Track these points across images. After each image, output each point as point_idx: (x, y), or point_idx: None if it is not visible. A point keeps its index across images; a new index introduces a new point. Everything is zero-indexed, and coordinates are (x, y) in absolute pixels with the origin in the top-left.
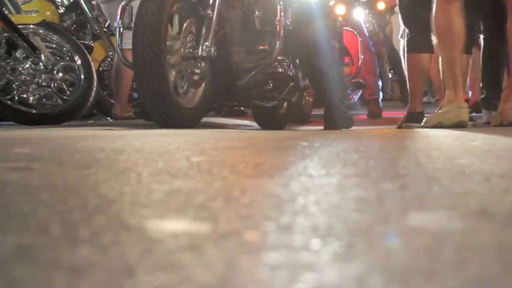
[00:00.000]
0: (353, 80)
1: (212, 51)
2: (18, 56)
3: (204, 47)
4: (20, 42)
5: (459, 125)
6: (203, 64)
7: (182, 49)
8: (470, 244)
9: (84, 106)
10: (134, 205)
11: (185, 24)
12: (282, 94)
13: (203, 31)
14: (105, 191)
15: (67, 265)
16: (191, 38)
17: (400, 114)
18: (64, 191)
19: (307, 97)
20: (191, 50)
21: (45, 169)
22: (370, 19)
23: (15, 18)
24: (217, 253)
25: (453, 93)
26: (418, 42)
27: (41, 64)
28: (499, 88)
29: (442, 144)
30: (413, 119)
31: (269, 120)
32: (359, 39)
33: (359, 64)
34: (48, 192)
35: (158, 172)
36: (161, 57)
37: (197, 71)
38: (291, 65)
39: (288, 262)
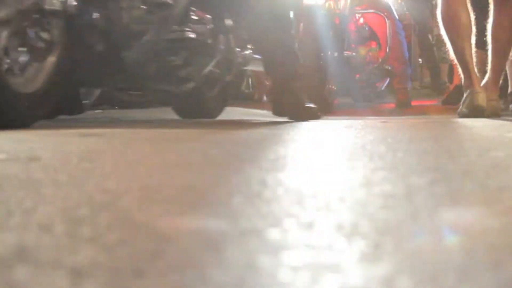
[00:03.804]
0: (381, 67)
1: (73, 2)
2: None
3: None
4: None
5: (476, 110)
6: (55, 23)
7: None
8: (506, 243)
9: (92, 95)
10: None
11: None
12: (204, 71)
13: None
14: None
15: (70, 266)
16: None
17: (431, 103)
18: (67, 185)
19: (330, 85)
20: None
21: (47, 162)
22: (399, 1)
23: None
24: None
25: (467, 80)
26: None
27: None
28: None
29: (476, 135)
30: None
31: (191, 108)
32: (387, 22)
33: (387, 49)
34: (51, 187)
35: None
36: None
37: (45, 34)
38: (219, 31)
39: (310, 262)
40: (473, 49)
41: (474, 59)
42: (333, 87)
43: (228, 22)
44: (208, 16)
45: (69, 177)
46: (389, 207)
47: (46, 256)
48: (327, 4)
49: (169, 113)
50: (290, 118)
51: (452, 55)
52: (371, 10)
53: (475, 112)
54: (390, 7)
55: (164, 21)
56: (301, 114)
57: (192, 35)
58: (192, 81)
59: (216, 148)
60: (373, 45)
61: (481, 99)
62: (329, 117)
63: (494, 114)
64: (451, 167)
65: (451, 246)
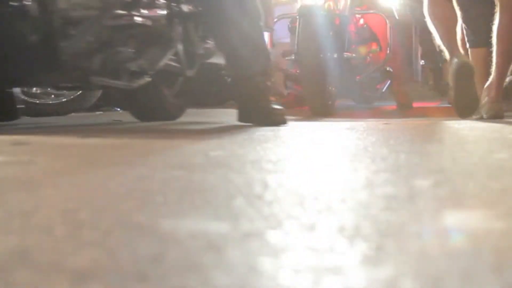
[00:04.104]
0: (382, 68)
1: None
2: None
3: None
4: None
5: (464, 67)
6: None
7: None
8: (510, 245)
9: (92, 96)
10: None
11: None
12: (158, 64)
13: None
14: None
15: (71, 269)
16: None
17: (433, 104)
18: (68, 187)
19: (330, 87)
20: None
21: (48, 164)
22: (401, 1)
23: None
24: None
25: (451, 53)
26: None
27: None
28: None
29: (478, 136)
30: None
31: (146, 108)
32: (388, 23)
33: (388, 50)
34: (51, 189)
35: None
36: None
37: None
38: (175, 17)
39: (312, 264)
40: (459, 36)
41: (459, 42)
42: (333, 88)
43: (186, 7)
44: None
45: (70, 179)
46: (392, 209)
47: (47, 258)
48: (327, 5)
49: None
50: (256, 125)
51: (438, 41)
52: (372, 11)
53: (463, 70)
54: (390, 8)
55: (109, 4)
56: (268, 119)
57: (143, 22)
58: (145, 75)
59: (217, 149)
60: (374, 46)
61: (467, 57)
62: (330, 119)
63: (497, 115)
64: (454, 169)
65: (454, 249)
